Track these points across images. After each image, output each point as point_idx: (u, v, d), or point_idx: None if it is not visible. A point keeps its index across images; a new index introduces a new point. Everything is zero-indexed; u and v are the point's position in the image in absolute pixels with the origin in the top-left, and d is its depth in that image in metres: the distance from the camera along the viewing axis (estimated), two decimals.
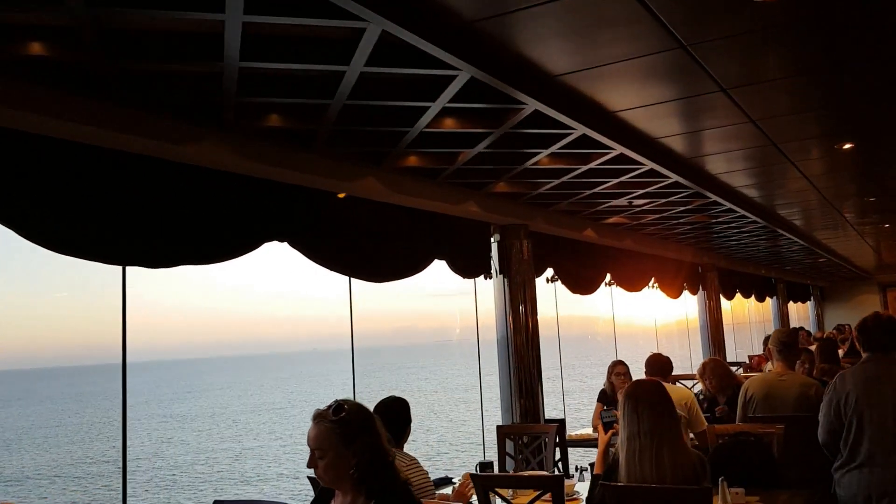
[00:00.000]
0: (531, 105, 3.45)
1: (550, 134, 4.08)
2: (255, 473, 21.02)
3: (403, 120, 3.69)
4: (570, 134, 4.04)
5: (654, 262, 9.88)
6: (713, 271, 11.91)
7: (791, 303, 19.80)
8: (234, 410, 40.85)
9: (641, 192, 5.81)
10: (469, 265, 5.97)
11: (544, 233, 6.98)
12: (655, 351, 6.22)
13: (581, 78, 3.37)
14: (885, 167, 5.78)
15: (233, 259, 3.94)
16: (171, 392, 55.99)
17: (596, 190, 5.65)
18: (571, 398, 25.31)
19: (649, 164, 4.83)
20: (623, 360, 7.47)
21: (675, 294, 10.78)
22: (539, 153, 4.46)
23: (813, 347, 8.78)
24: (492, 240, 6.36)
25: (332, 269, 4.60)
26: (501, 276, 6.25)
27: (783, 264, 15.37)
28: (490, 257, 6.33)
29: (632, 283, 9.24)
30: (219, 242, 3.88)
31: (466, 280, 6.25)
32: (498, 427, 5.79)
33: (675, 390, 5.99)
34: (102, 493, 20.67)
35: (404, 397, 3.76)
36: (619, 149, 4.35)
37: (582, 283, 7.79)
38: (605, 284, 9.07)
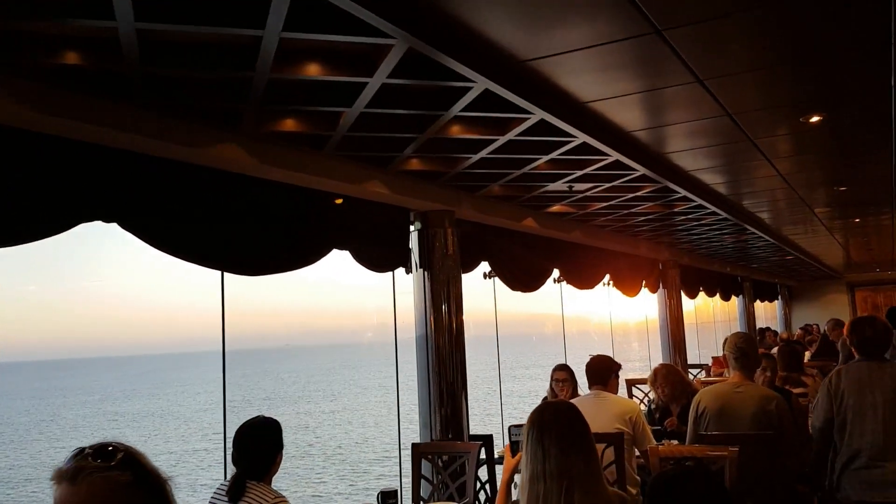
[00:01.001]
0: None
1: (454, 88, 3.24)
2: None
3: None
4: (471, 89, 3.20)
5: (608, 257, 9.11)
6: (675, 268, 11.20)
7: (758, 302, 19.27)
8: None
9: (580, 173, 4.99)
10: (382, 257, 5.10)
11: (476, 222, 6.16)
12: (606, 352, 5.47)
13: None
14: (856, 145, 5.02)
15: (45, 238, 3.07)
16: None
17: (526, 170, 4.82)
18: (514, 406, 24.59)
19: (582, 137, 4.01)
20: (567, 364, 6.75)
21: (633, 292, 10.03)
22: (447, 115, 3.60)
23: (774, 351, 8.12)
24: (411, 228, 5.51)
25: (188, 260, 3.71)
26: (422, 270, 5.41)
27: (750, 262, 14.76)
28: (409, 249, 5.49)
29: (583, 279, 8.45)
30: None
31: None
32: (413, 445, 4.96)
33: (618, 402, 5.24)
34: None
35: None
36: (539, 114, 3.53)
37: (523, 280, 6.97)
38: (554, 281, 8.29)
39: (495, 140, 4.01)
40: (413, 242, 5.48)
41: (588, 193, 5.85)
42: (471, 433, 5.43)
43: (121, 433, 30.56)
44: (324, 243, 4.47)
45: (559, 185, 5.49)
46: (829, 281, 22.75)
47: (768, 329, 16.56)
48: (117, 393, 52.23)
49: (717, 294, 14.73)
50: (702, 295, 13.81)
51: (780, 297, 21.72)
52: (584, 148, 4.31)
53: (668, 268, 11.14)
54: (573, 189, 5.60)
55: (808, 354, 12.45)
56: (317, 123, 3.63)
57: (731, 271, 14.75)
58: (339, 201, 4.67)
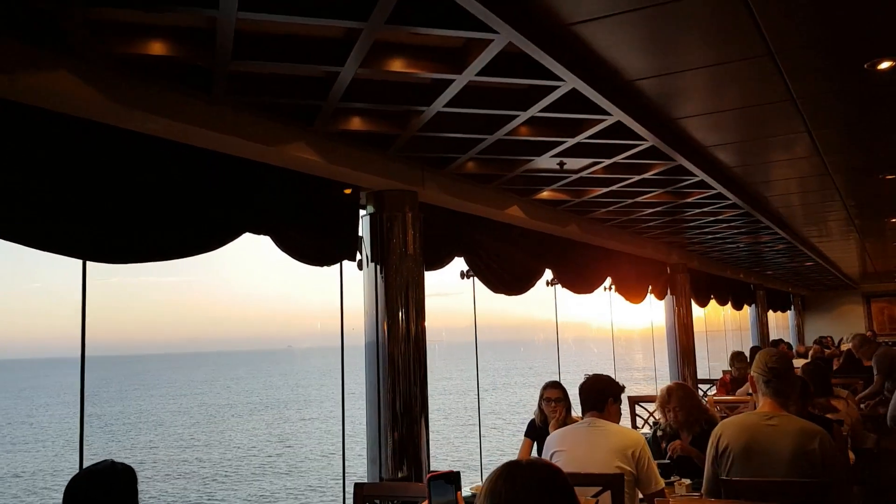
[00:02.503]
0: None
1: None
2: None
3: None
4: None
5: (610, 258, 8.03)
6: (684, 272, 10.10)
7: (770, 312, 18.14)
8: None
9: (571, 142, 3.91)
10: (317, 246, 4.01)
11: (449, 208, 5.09)
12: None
13: None
14: None
15: None
16: None
17: (503, 134, 3.74)
18: (496, 429, 23.19)
19: (570, 81, 2.94)
20: (559, 381, 5.71)
21: (638, 298, 8.94)
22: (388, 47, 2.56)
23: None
24: (362, 212, 4.45)
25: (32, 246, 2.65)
26: (375, 264, 4.34)
27: (764, 268, 13.64)
28: (359, 237, 4.43)
29: (580, 282, 7.37)
30: None
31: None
32: (356, 487, 3.88)
33: (619, 434, 4.20)
34: None
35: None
36: (505, 34, 2.46)
37: (507, 281, 5.89)
38: (547, 283, 7.21)
39: (452, 80, 2.94)
40: (364, 230, 4.40)
41: (584, 174, 4.77)
42: (431, 468, 4.34)
43: None
44: (229, 224, 3.38)
45: (547, 161, 4.41)
46: (844, 291, 21.63)
47: (782, 341, 15.42)
48: None
49: (729, 302, 13.63)
50: (712, 303, 12.72)
51: (792, 307, 20.59)
52: (574, 101, 3.24)
53: (678, 272, 10.05)
54: (564, 167, 4.52)
55: None
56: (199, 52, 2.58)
57: (743, 278, 13.64)
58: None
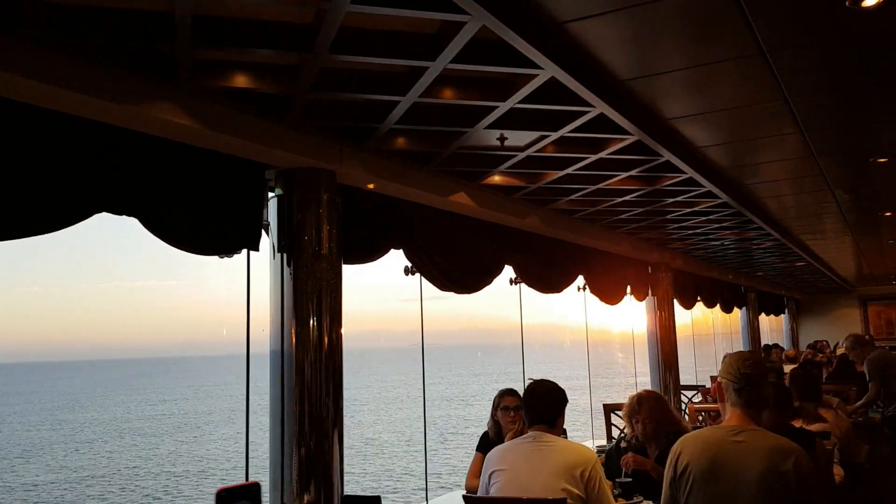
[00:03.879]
0: None
1: None
2: None
3: None
4: None
5: (582, 255, 7.43)
6: (666, 272, 9.50)
7: (763, 315, 17.54)
8: None
9: (505, 107, 3.31)
10: (206, 231, 3.40)
11: (386, 195, 4.49)
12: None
13: None
14: None
15: None
16: None
17: (421, 96, 3.14)
18: (455, 445, 22.16)
19: (480, 18, 2.35)
20: (514, 389, 5.18)
21: (615, 299, 8.33)
22: None
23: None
24: (269, 194, 3.84)
25: None
26: (282, 255, 3.73)
27: (754, 269, 13.04)
28: (265, 222, 3.82)
29: (547, 280, 6.76)
30: None
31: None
32: None
33: (568, 450, 3.66)
34: None
35: None
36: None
37: (456, 277, 5.28)
38: (511, 282, 6.61)
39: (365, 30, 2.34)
40: (271, 214, 3.80)
41: (532, 152, 4.17)
42: (345, 493, 3.71)
43: None
44: (74, 202, 2.76)
45: (484, 135, 3.82)
46: (839, 294, 21.04)
47: (776, 346, 14.83)
48: None
49: (718, 305, 13.02)
50: (700, 306, 12.12)
51: (786, 311, 19.99)
52: (501, 52, 2.65)
53: (660, 272, 9.45)
54: (505, 142, 3.92)
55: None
56: None
57: (732, 279, 13.04)
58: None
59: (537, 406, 3.79)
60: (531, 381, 3.97)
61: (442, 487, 14.45)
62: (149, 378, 70.57)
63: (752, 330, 14.70)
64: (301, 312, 3.64)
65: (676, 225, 7.28)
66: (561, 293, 7.03)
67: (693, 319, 13.01)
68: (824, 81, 3.45)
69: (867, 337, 18.10)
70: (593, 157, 4.32)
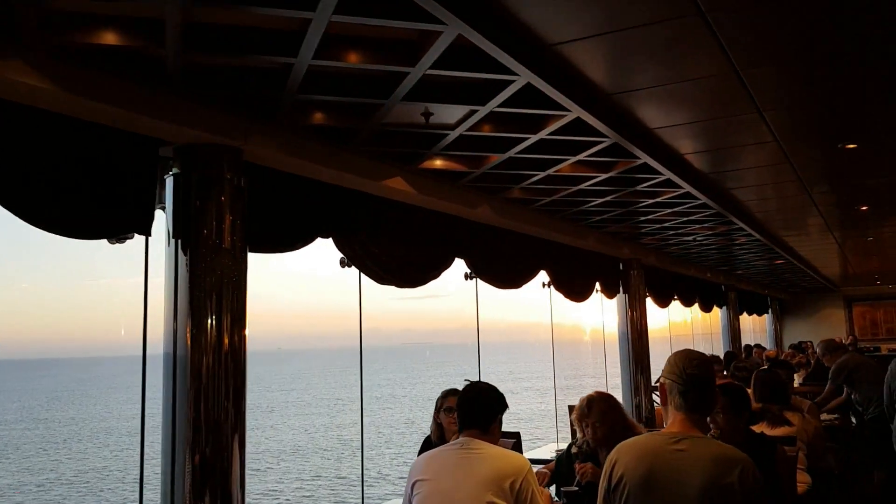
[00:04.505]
0: None
1: None
2: None
3: None
4: None
5: (545, 249, 7.07)
6: (638, 269, 9.16)
7: (746, 315, 17.25)
8: None
9: (418, 72, 2.94)
10: (83, 211, 3.01)
11: (311, 178, 4.11)
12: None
13: None
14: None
15: None
16: None
17: (308, 58, 2.76)
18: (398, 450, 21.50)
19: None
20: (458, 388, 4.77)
21: (581, 296, 7.98)
22: None
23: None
24: (168, 175, 3.45)
25: None
26: (177, 242, 3.35)
27: (733, 267, 12.72)
28: (158, 204, 3.44)
29: (504, 275, 6.39)
30: None
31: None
32: None
33: (499, 458, 3.34)
34: None
35: None
36: None
37: (396, 270, 4.90)
38: (466, 277, 6.24)
39: None
40: (168, 196, 3.41)
41: (464, 131, 3.80)
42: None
43: None
44: None
45: (407, 109, 3.45)
46: (824, 294, 20.79)
47: (757, 346, 14.53)
48: None
49: (696, 304, 12.70)
50: (678, 305, 11.79)
51: (770, 311, 19.71)
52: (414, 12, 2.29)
53: (631, 268, 9.11)
54: (431, 118, 3.54)
55: (796, 378, 10.46)
56: None
57: (711, 277, 12.71)
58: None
59: (469, 409, 3.44)
60: (466, 381, 3.62)
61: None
62: (136, 375, 69.79)
63: (733, 330, 14.38)
64: (198, 310, 3.25)
65: (644, 218, 6.93)
66: (521, 289, 6.67)
67: (672, 320, 12.68)
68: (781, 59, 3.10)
69: (850, 339, 17.88)
70: (534, 138, 3.95)
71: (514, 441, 5.25)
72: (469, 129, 3.79)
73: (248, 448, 3.44)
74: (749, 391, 7.01)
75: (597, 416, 4.29)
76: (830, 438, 7.78)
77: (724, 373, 8.15)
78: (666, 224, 7.33)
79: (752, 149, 4.73)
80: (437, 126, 3.69)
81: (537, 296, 7.70)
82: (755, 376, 5.29)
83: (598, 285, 8.44)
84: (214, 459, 3.21)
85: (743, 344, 14.81)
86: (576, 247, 7.66)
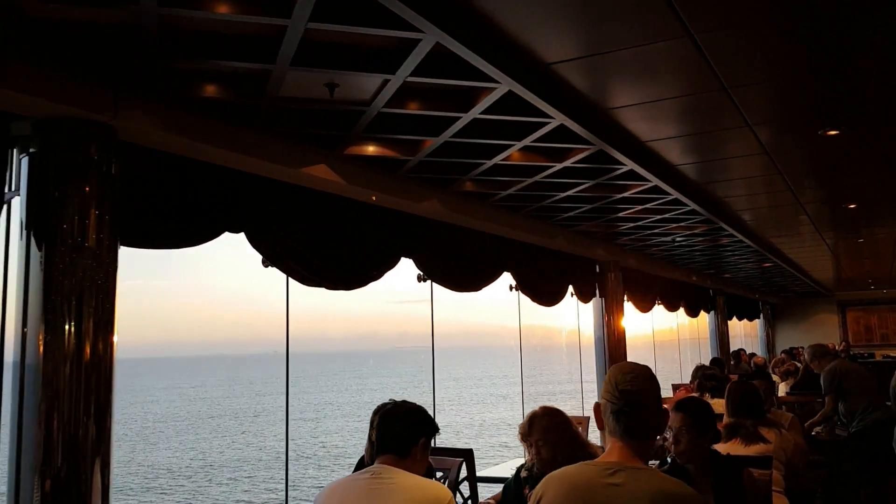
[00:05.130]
0: None
1: None
2: None
3: None
4: None
5: (509, 249, 6.57)
6: (616, 271, 8.66)
7: (736, 320, 16.75)
8: None
9: (302, 23, 2.44)
10: None
11: (213, 164, 3.61)
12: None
13: None
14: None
15: None
16: None
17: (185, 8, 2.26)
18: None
19: None
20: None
21: (551, 300, 7.47)
22: None
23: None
24: (14, 152, 2.94)
25: None
26: (30, 233, 2.84)
27: (720, 270, 12.23)
28: (12, 191, 2.93)
29: (460, 277, 5.89)
30: None
31: None
32: None
33: (414, 490, 2.85)
34: None
35: None
36: None
37: (325, 271, 4.39)
38: (419, 279, 5.73)
39: None
40: (22, 181, 2.91)
41: (386, 108, 3.29)
42: None
43: None
44: None
45: (313, 82, 2.95)
46: (817, 299, 20.31)
47: (742, 350, 14.04)
48: None
49: (682, 308, 12.20)
50: (662, 310, 11.29)
51: (761, 316, 19.21)
52: None
53: (609, 271, 8.61)
54: (336, 92, 3.04)
55: (783, 387, 9.96)
56: None
57: (697, 281, 12.21)
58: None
59: (385, 431, 2.95)
60: (391, 401, 3.11)
61: None
62: (136, 378, 69.00)
63: (721, 335, 13.87)
64: (54, 315, 2.75)
65: (617, 215, 6.43)
66: (492, 291, 6.16)
67: (661, 325, 12.19)
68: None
69: (843, 345, 17.38)
70: (467, 117, 3.45)
71: (461, 461, 4.74)
72: (390, 106, 3.28)
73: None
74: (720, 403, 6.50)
75: (539, 433, 3.78)
76: (816, 452, 7.30)
77: (692, 384, 7.64)
78: (640, 222, 6.83)
79: (723, 135, 4.24)
80: (348, 102, 3.19)
81: (510, 298, 7.21)
82: (728, 389, 4.78)
83: (571, 288, 7.94)
84: (70, 484, 2.70)
85: (732, 350, 14.29)
86: (544, 247, 7.16)
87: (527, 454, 4.00)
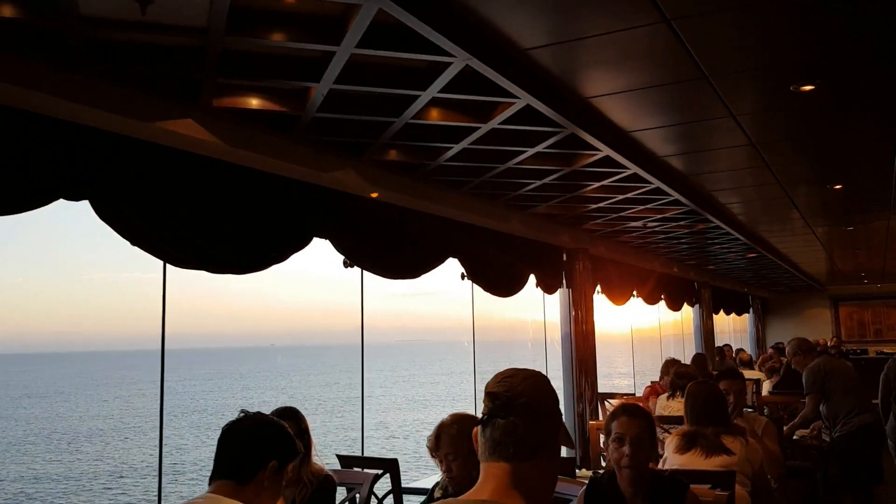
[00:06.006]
0: None
1: None
2: None
3: None
4: None
5: (455, 231, 5.88)
6: (585, 260, 7.97)
7: (724, 315, 16.11)
8: None
9: None
10: None
11: (39, 113, 2.91)
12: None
13: None
14: None
15: None
16: None
17: None
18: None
19: None
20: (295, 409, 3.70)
21: (508, 290, 6.78)
22: None
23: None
24: None
25: None
26: None
27: (703, 261, 11.56)
28: None
29: (391, 263, 5.20)
30: None
31: None
32: None
33: None
34: None
35: None
36: None
37: (206, 252, 3.68)
38: (346, 265, 5.03)
39: None
40: None
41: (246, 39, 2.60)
42: None
43: None
44: None
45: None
46: (809, 293, 19.68)
47: (727, 347, 13.40)
48: None
49: (662, 301, 11.53)
50: (639, 302, 10.61)
51: (751, 310, 18.56)
52: None
53: (577, 259, 7.92)
54: (149, 5, 2.34)
55: (768, 385, 9.31)
56: None
57: (679, 272, 11.54)
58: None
59: (223, 450, 2.27)
60: (241, 413, 2.43)
61: None
62: (127, 371, 67.90)
63: (706, 331, 13.19)
64: None
65: (576, 193, 5.74)
66: (416, 279, 5.46)
67: (641, 320, 11.53)
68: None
69: (834, 340, 16.70)
70: (426, 95, 2.74)
71: (376, 475, 4.06)
72: (249, 35, 2.59)
73: None
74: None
75: (448, 446, 3.14)
76: (800, 458, 6.63)
77: (661, 381, 6.98)
78: (604, 203, 6.14)
79: (671, 88, 3.55)
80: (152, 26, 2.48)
81: (464, 287, 6.53)
82: (687, 391, 4.10)
83: (532, 278, 7.26)
84: None
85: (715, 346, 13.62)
86: (500, 231, 6.47)
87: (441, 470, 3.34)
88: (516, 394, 1.53)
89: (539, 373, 1.68)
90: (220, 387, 50.18)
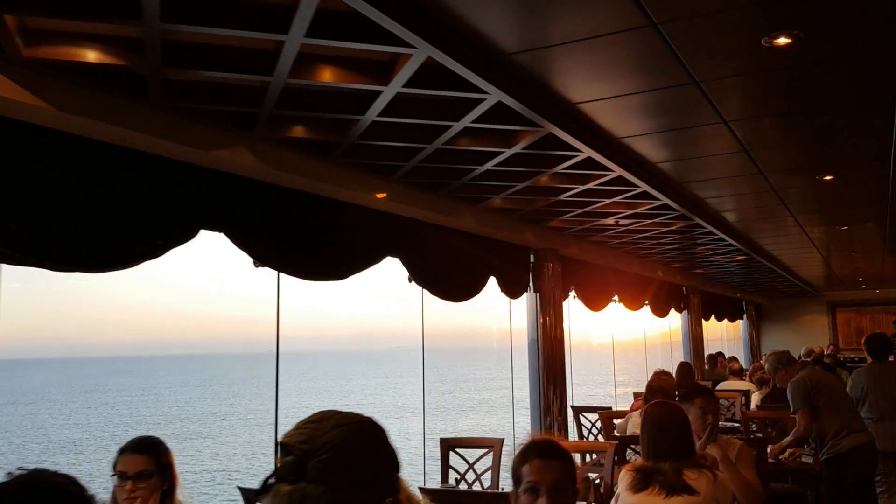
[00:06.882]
0: None
1: None
2: None
3: None
4: None
5: (397, 228, 5.18)
6: (555, 261, 7.28)
7: (715, 321, 15.39)
8: None
9: None
10: None
11: None
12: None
13: None
14: None
15: None
16: None
17: None
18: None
19: None
20: (150, 439, 2.98)
21: (461, 295, 6.07)
22: None
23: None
24: None
25: None
26: None
27: (690, 265, 10.86)
28: None
29: (314, 265, 4.49)
30: None
31: None
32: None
33: None
34: None
35: None
36: None
37: (69, 248, 3.00)
38: (255, 265, 4.33)
39: None
40: None
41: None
42: None
43: None
44: None
45: None
46: (805, 299, 18.99)
47: (720, 355, 12.69)
48: None
49: (647, 306, 10.83)
50: (619, 307, 9.90)
51: (745, 317, 17.84)
52: None
53: (546, 261, 7.23)
54: None
55: (757, 397, 8.60)
56: None
57: (663, 276, 10.84)
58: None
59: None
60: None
61: None
62: (119, 377, 66.90)
63: (694, 339, 12.47)
64: None
65: (524, 184, 5.04)
66: (341, 280, 4.75)
67: (628, 327, 10.83)
68: None
69: (831, 348, 15.92)
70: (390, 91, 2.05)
71: None
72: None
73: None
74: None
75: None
76: (788, 481, 5.94)
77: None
78: (563, 195, 5.44)
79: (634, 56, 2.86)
80: None
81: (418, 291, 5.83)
82: (643, 416, 3.40)
83: (493, 281, 6.56)
84: None
85: (708, 354, 12.90)
86: (451, 228, 5.78)
87: None
88: (316, 447, 1.11)
89: (367, 419, 1.22)
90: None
